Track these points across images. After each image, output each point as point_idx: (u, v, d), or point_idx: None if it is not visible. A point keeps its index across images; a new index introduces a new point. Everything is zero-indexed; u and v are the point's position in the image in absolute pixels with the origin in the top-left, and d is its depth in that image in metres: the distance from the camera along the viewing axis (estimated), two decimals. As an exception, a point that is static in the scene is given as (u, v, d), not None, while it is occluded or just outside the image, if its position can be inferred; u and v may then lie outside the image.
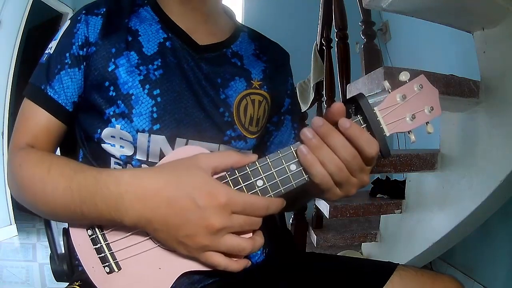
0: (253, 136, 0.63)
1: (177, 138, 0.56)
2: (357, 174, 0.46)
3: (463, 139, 1.21)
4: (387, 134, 0.47)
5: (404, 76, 0.47)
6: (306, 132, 0.45)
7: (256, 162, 0.47)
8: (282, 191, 0.47)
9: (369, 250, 1.78)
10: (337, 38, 1.60)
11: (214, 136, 0.59)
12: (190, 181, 0.44)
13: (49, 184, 0.48)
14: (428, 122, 0.48)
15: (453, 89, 1.05)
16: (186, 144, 0.57)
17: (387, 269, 0.60)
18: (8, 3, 2.55)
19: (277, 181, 0.47)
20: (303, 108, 2.17)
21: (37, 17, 3.10)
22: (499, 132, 1.04)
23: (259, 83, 0.65)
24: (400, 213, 1.48)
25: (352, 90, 1.28)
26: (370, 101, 1.13)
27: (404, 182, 1.53)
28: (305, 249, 1.57)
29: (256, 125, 0.64)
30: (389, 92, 0.47)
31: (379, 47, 1.58)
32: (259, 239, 0.47)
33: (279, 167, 0.46)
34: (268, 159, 0.47)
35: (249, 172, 0.46)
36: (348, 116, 0.47)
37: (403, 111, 0.47)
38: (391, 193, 1.54)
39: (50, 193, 0.48)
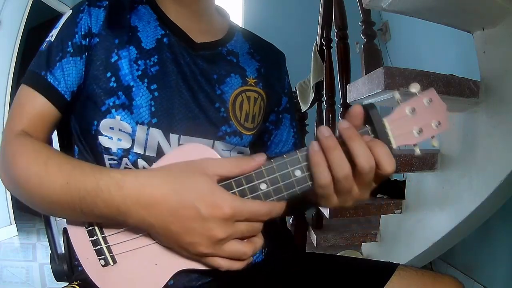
0: (249, 133, 0.63)
1: (170, 134, 0.56)
2: (363, 187, 0.45)
3: (463, 139, 1.21)
4: (394, 146, 0.46)
5: (414, 88, 0.46)
6: (324, 130, 0.43)
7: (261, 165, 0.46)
8: (285, 196, 0.46)
9: (369, 250, 1.77)
10: (337, 38, 1.60)
11: (208, 131, 0.59)
12: (195, 189, 0.43)
13: (46, 178, 0.47)
14: (433, 136, 0.48)
15: (453, 89, 1.05)
16: (179, 139, 0.57)
17: (387, 269, 0.60)
18: (8, 3, 2.55)
19: (280, 185, 0.45)
20: (303, 108, 2.17)
21: (37, 17, 3.09)
22: (499, 132, 1.04)
23: (254, 80, 0.65)
24: (400, 213, 1.47)
25: (352, 90, 1.28)
26: (370, 100, 1.14)
27: (404, 182, 1.53)
28: (305, 249, 1.57)
29: (252, 122, 0.64)
30: (399, 104, 0.47)
31: (379, 47, 1.58)
32: (259, 241, 0.47)
33: (284, 171, 0.45)
34: (273, 162, 0.45)
35: (253, 174, 0.46)
36: None
37: (411, 124, 0.46)
38: (391, 193, 1.54)
39: (47, 188, 0.47)
